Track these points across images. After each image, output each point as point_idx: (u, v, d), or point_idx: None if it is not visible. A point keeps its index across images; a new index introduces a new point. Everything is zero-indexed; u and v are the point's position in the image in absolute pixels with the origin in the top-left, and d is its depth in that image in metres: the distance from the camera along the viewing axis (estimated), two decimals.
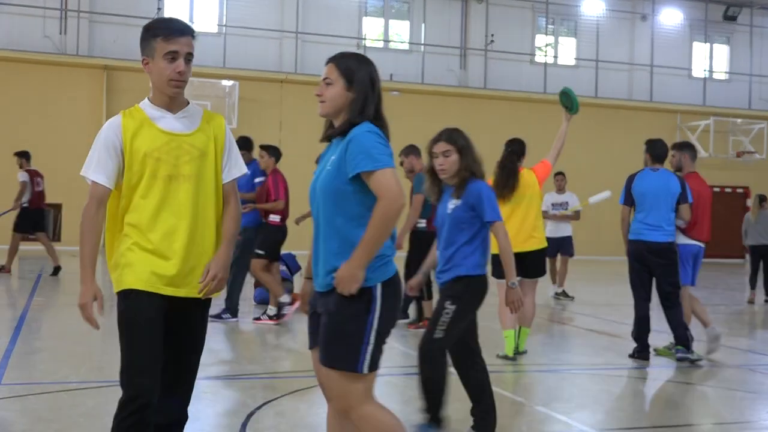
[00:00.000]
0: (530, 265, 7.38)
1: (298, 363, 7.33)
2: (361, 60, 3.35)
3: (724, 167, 26.72)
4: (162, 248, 3.27)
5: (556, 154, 7.60)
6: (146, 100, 3.37)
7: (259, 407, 5.40)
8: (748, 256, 15.52)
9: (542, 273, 7.61)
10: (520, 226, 7.34)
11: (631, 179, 7.77)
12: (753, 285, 14.06)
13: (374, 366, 3.12)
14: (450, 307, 4.50)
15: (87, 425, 4.89)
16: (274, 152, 9.52)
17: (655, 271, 7.55)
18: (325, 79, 3.29)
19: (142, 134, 3.27)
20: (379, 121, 3.25)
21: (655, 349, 7.79)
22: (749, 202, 26.76)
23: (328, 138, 3.32)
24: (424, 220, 9.07)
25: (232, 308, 9.31)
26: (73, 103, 20.91)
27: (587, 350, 8.27)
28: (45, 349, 7.49)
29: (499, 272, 7.67)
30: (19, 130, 20.48)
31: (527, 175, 7.46)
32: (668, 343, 7.96)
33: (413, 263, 9.20)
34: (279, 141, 22.97)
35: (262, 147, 9.59)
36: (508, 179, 7.36)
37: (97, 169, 3.27)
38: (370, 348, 3.09)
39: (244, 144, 9.48)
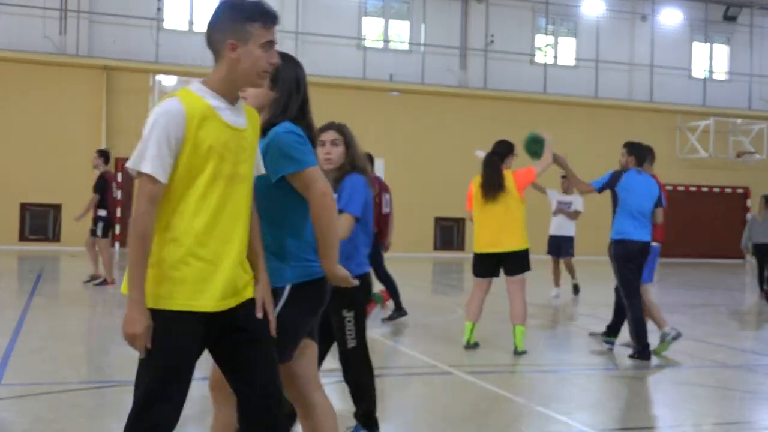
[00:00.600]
0: (511, 263, 7.58)
1: None
2: (289, 61, 3.28)
3: (724, 167, 26.72)
4: (219, 258, 2.83)
5: (546, 165, 7.59)
6: (199, 85, 2.91)
7: None
8: (748, 257, 15.55)
9: (524, 269, 7.64)
10: (497, 226, 7.55)
11: (617, 177, 7.87)
12: (762, 285, 14.16)
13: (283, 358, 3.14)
14: (349, 314, 4.40)
15: (87, 425, 4.89)
16: None
17: (638, 269, 7.73)
18: None
19: (207, 126, 2.81)
20: (303, 121, 3.21)
21: (653, 351, 7.80)
22: (749, 203, 26.81)
23: None
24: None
25: None
26: (73, 103, 20.91)
27: (587, 350, 8.27)
28: (45, 349, 7.49)
29: (478, 271, 7.76)
30: (19, 130, 20.49)
31: (507, 178, 7.59)
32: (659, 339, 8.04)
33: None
34: None
35: None
36: (492, 179, 7.56)
37: (155, 162, 2.71)
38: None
39: None
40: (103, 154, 12.49)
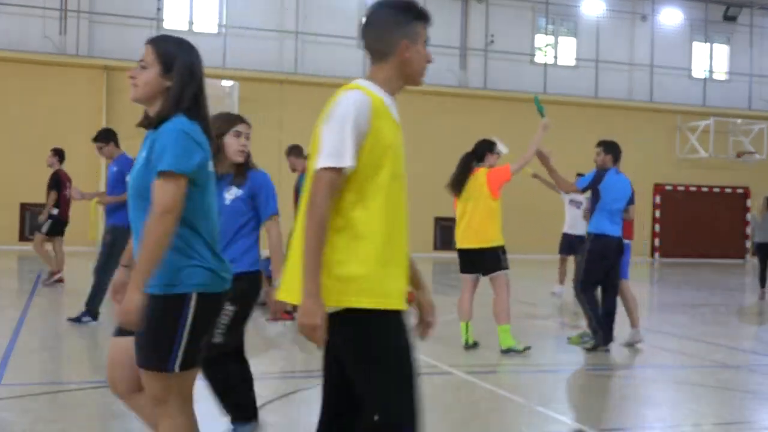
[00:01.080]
0: (485, 261, 7.64)
1: (299, 363, 7.34)
2: (184, 46, 3.10)
3: (724, 167, 26.72)
4: (397, 258, 2.75)
5: (523, 163, 7.58)
6: (369, 82, 2.83)
7: (259, 407, 5.39)
8: (748, 257, 15.65)
9: (496, 268, 7.64)
10: (467, 224, 7.68)
11: (601, 177, 8.00)
12: (762, 283, 14.23)
13: (185, 366, 3.00)
14: (229, 309, 4.14)
15: (87, 426, 4.89)
16: None
17: (613, 264, 7.96)
18: (140, 61, 3.06)
19: (385, 121, 2.75)
20: (197, 113, 3.06)
21: (568, 338, 8.25)
22: (749, 203, 26.81)
23: (142, 127, 3.10)
24: None
25: (93, 311, 8.52)
26: (73, 103, 20.91)
27: (587, 350, 8.27)
28: (45, 349, 7.49)
29: (461, 267, 7.83)
30: (19, 130, 20.48)
31: (480, 176, 7.65)
32: (582, 332, 8.37)
33: None
34: (279, 141, 23.00)
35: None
36: (457, 177, 7.75)
37: (347, 153, 2.63)
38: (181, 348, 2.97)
39: (108, 136, 8.98)
40: (58, 153, 12.52)
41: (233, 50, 22.36)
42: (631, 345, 8.30)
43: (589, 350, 7.93)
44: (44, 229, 12.27)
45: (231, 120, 4.31)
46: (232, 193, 4.27)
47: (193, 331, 2.97)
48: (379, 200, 2.67)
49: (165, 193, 2.87)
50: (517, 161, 7.57)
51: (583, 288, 7.95)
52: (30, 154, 20.36)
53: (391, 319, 2.67)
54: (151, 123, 3.02)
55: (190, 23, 22.67)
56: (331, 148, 2.62)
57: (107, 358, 3.39)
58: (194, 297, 2.96)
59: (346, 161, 2.61)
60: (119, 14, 21.44)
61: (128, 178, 3.13)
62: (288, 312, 9.25)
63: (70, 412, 5.15)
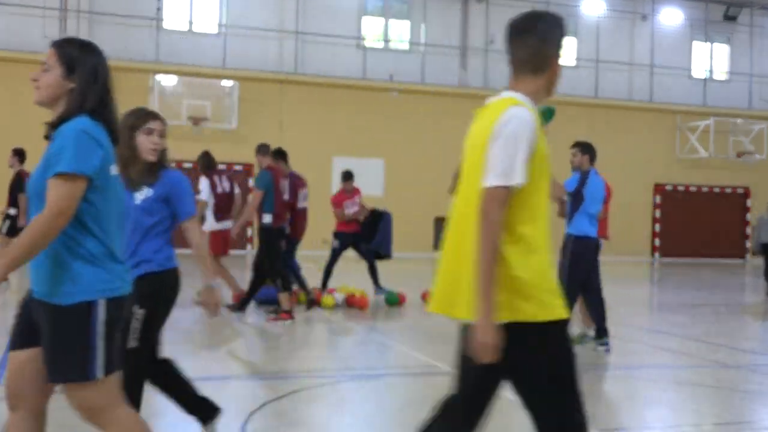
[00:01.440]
0: None
1: (298, 363, 7.33)
2: (87, 49, 3.04)
3: (724, 167, 26.73)
4: (553, 269, 2.82)
5: None
6: (520, 94, 2.87)
7: (260, 407, 5.40)
8: (748, 257, 15.76)
9: None
10: None
11: (585, 179, 8.04)
12: None
13: (109, 369, 2.97)
14: (139, 312, 3.96)
15: (87, 426, 4.89)
16: None
17: (593, 266, 8.06)
18: (43, 64, 3.00)
19: (541, 135, 2.81)
20: (103, 115, 2.99)
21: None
22: (749, 203, 26.81)
23: (48, 136, 3.01)
24: (269, 215, 9.37)
25: None
26: None
27: (586, 350, 8.27)
28: None
29: None
30: (19, 131, 20.47)
31: None
32: (582, 332, 8.52)
33: (265, 260, 9.44)
34: (279, 141, 23.00)
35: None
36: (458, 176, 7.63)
37: (519, 171, 2.69)
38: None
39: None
40: (18, 153, 12.57)
41: (233, 50, 22.36)
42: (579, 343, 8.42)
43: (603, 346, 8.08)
44: (4, 230, 12.35)
45: (143, 116, 4.12)
46: (142, 193, 4.10)
47: (106, 336, 2.94)
48: (542, 212, 2.77)
49: (60, 195, 2.80)
50: None
51: (569, 290, 7.94)
52: (30, 154, 20.33)
53: (561, 329, 2.74)
54: (53, 125, 2.95)
55: (190, 23, 22.67)
56: (505, 166, 2.67)
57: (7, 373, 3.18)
58: (101, 303, 2.92)
59: (518, 179, 2.67)
60: (119, 14, 21.45)
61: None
62: (287, 312, 9.26)
63: (71, 412, 5.13)
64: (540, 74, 2.89)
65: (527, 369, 2.75)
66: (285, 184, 9.87)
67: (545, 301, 2.68)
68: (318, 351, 8.08)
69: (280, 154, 10.25)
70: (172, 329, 9.08)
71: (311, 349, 8.17)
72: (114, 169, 3.02)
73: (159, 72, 21.33)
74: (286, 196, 9.84)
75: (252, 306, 10.22)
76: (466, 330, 2.79)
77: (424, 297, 11.47)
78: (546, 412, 2.78)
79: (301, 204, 10.17)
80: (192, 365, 7.14)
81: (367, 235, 11.65)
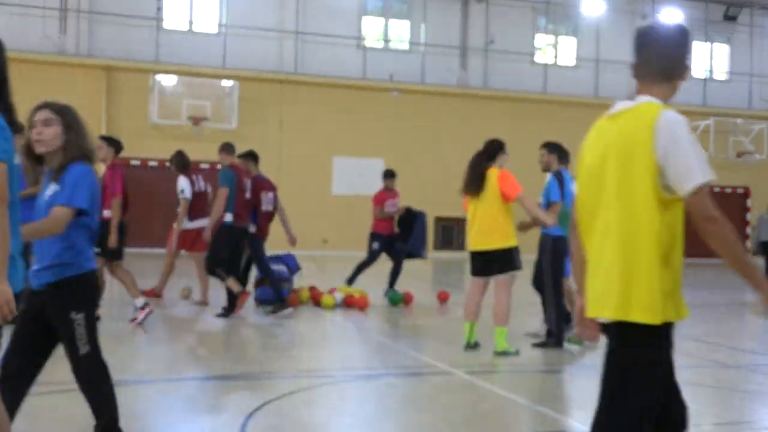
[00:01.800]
0: (497, 263, 7.53)
1: (298, 363, 7.33)
2: None
3: (724, 167, 26.68)
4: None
5: (529, 209, 7.67)
6: (657, 99, 3.14)
7: (259, 407, 5.40)
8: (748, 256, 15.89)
9: (504, 269, 7.57)
10: (478, 225, 7.58)
11: (561, 180, 8.02)
12: None
13: None
14: (78, 317, 3.86)
15: (87, 426, 4.89)
16: (113, 143, 8.93)
17: (561, 264, 8.03)
18: None
19: None
20: (1, 103, 2.91)
21: (568, 339, 8.13)
22: (749, 203, 26.81)
23: None
24: (230, 214, 9.40)
25: None
26: (73, 103, 20.48)
27: (586, 351, 8.27)
28: None
29: (471, 269, 7.75)
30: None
31: (492, 176, 7.52)
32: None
33: (221, 259, 9.41)
34: (279, 141, 23.01)
35: (101, 137, 9.02)
36: (473, 179, 7.58)
37: (709, 166, 2.95)
38: None
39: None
40: None
41: (233, 50, 22.36)
42: (535, 336, 8.47)
43: (537, 346, 7.99)
44: None
45: (31, 112, 3.99)
46: (51, 189, 3.91)
47: None
48: (678, 212, 2.90)
49: None
50: (526, 202, 7.51)
51: (555, 287, 8.02)
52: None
53: (662, 332, 2.93)
54: None
55: (190, 23, 22.67)
56: (701, 164, 2.89)
57: None
58: None
59: (712, 173, 2.89)
60: (119, 14, 21.44)
61: None
62: (237, 295, 9.36)
63: (71, 412, 5.14)
64: (670, 81, 3.10)
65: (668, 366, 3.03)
66: (247, 183, 9.87)
67: (680, 303, 2.90)
68: (318, 351, 8.08)
69: (252, 156, 10.30)
70: (172, 329, 9.10)
71: (311, 349, 8.16)
72: (17, 158, 3.00)
73: (159, 72, 21.33)
74: (247, 195, 9.85)
75: (252, 306, 10.22)
76: (633, 331, 2.91)
77: (441, 297, 11.58)
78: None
79: (265, 207, 10.15)
80: (192, 365, 7.15)
81: (403, 236, 11.64)
